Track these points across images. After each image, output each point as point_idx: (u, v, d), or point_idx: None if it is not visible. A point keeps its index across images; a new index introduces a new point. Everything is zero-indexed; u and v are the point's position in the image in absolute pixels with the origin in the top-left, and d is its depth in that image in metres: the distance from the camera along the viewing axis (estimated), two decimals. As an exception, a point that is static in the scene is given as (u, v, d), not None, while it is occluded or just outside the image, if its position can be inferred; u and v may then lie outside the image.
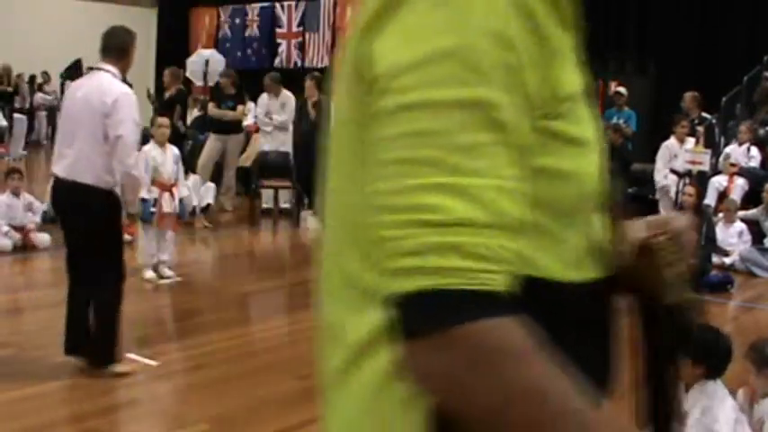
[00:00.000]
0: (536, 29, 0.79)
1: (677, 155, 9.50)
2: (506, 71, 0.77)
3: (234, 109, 10.61)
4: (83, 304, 4.41)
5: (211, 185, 9.97)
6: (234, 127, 10.75)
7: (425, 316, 0.74)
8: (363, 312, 0.86)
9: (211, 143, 10.66)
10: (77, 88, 4.51)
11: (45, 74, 18.27)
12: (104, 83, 4.36)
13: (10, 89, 16.87)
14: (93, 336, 4.42)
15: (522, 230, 0.76)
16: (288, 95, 10.50)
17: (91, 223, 4.29)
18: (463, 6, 0.77)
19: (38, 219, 8.03)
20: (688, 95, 10.32)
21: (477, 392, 0.73)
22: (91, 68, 16.62)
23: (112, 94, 4.28)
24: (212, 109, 10.73)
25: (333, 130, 0.94)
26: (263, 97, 10.58)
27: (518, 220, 0.76)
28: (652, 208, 10.01)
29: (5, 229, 7.60)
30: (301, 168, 10.33)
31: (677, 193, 9.29)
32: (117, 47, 4.49)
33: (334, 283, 0.93)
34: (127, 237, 6.27)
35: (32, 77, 18.32)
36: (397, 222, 0.76)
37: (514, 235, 0.75)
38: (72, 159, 4.27)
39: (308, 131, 10.53)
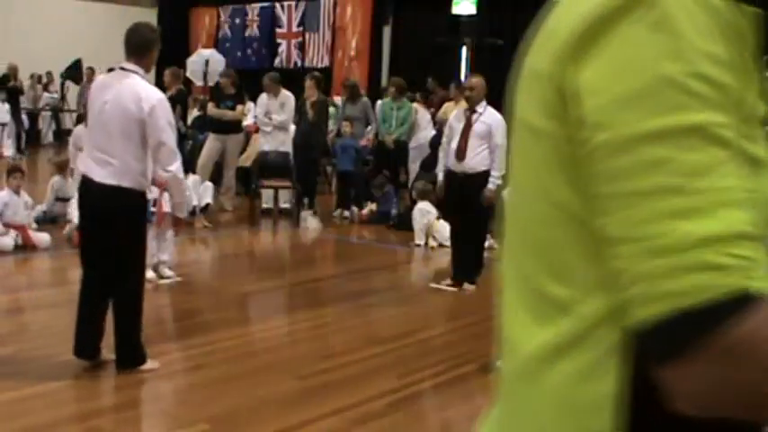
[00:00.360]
0: (738, 50, 0.81)
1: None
2: (722, 93, 0.78)
3: (233, 109, 10.62)
4: (100, 306, 4.43)
5: (210, 185, 9.95)
6: (233, 127, 10.75)
7: (685, 334, 0.76)
8: (546, 322, 0.90)
9: (211, 143, 10.67)
10: (104, 90, 4.41)
11: (49, 74, 18.30)
12: (136, 86, 4.33)
13: (18, 84, 16.87)
14: (119, 338, 4.45)
15: (757, 238, 0.78)
16: (287, 95, 10.50)
17: (127, 225, 4.36)
18: (674, 30, 0.78)
19: (34, 214, 8.11)
20: None
21: (760, 383, 0.75)
22: (91, 69, 16.56)
23: (149, 101, 4.29)
24: (212, 109, 10.74)
25: (518, 133, 0.95)
26: (263, 97, 10.58)
27: (752, 229, 0.78)
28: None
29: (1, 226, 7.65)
30: (301, 168, 10.35)
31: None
32: (139, 45, 4.46)
33: (514, 289, 0.97)
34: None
35: (39, 77, 18.34)
36: (637, 252, 0.78)
37: (752, 243, 0.77)
38: (110, 165, 4.30)
39: (308, 131, 10.54)
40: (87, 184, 4.42)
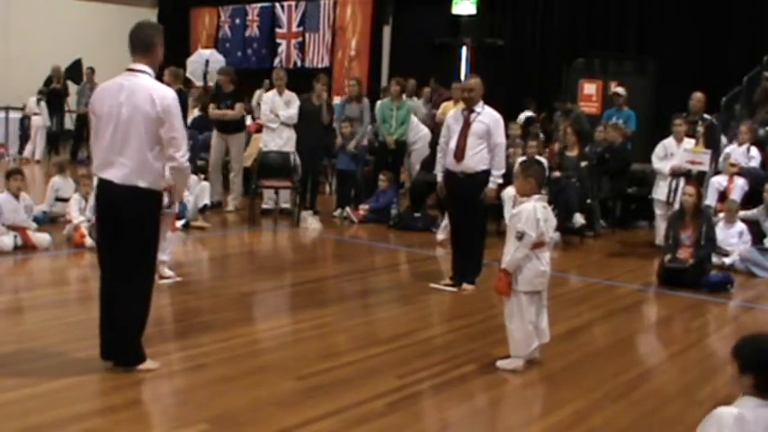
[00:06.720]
0: None
1: (673, 153, 9.48)
2: None
3: (232, 108, 10.64)
4: (119, 306, 4.43)
5: (206, 185, 9.92)
6: (234, 126, 10.77)
7: None
8: None
9: (216, 141, 10.83)
10: (115, 92, 4.38)
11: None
12: (148, 87, 4.33)
13: (60, 87, 16.87)
14: (120, 335, 4.46)
15: None
16: (292, 94, 10.55)
17: (142, 224, 4.39)
18: None
19: (34, 213, 8.14)
20: (697, 95, 10.23)
21: None
22: (91, 69, 16.51)
23: (163, 100, 4.31)
24: (212, 111, 10.81)
25: None
26: (269, 94, 10.60)
27: None
28: (650, 207, 10.02)
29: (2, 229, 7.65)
30: (308, 168, 10.35)
31: (670, 192, 9.30)
32: (143, 42, 4.44)
33: None
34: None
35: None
36: None
37: None
38: (127, 166, 4.31)
39: (320, 132, 10.53)
40: (103, 186, 4.42)
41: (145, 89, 4.33)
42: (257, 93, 14.51)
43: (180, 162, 4.39)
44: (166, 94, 4.36)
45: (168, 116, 4.32)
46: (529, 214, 4.79)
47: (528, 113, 13.45)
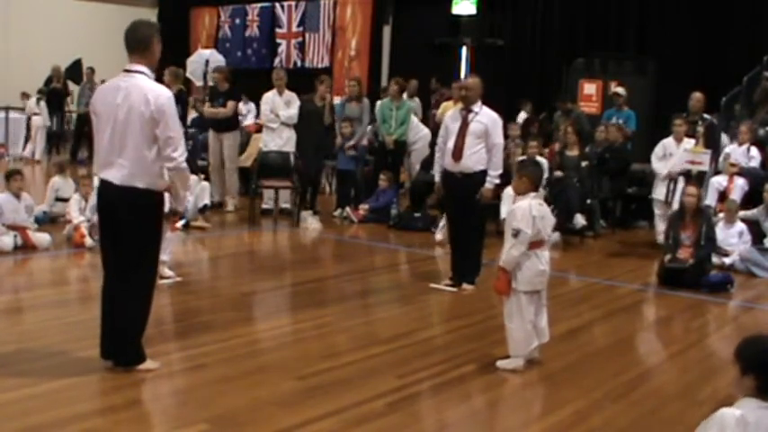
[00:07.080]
0: None
1: (673, 153, 9.47)
2: None
3: (224, 106, 10.64)
4: (119, 306, 4.44)
5: (206, 185, 9.93)
6: (227, 124, 10.77)
7: None
8: None
9: (211, 141, 10.85)
10: (113, 93, 4.38)
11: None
12: (143, 87, 4.33)
13: (60, 86, 16.87)
14: (120, 335, 4.47)
15: None
16: (292, 94, 10.56)
17: (144, 225, 4.39)
18: None
19: (34, 214, 8.14)
20: (696, 95, 10.22)
21: None
22: (91, 69, 16.52)
23: (158, 100, 4.30)
24: (207, 109, 10.83)
25: None
26: (270, 94, 10.61)
27: None
28: (650, 207, 10.02)
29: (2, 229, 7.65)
30: (311, 169, 10.35)
31: (668, 192, 9.29)
32: (139, 42, 4.43)
33: None
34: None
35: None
36: None
37: None
38: (125, 167, 4.31)
39: (318, 132, 10.54)
40: (103, 187, 4.42)
41: (140, 89, 4.32)
42: None
43: (177, 162, 4.37)
44: (161, 94, 4.35)
45: (163, 116, 4.30)
46: (524, 212, 4.82)
47: (524, 115, 13.44)
